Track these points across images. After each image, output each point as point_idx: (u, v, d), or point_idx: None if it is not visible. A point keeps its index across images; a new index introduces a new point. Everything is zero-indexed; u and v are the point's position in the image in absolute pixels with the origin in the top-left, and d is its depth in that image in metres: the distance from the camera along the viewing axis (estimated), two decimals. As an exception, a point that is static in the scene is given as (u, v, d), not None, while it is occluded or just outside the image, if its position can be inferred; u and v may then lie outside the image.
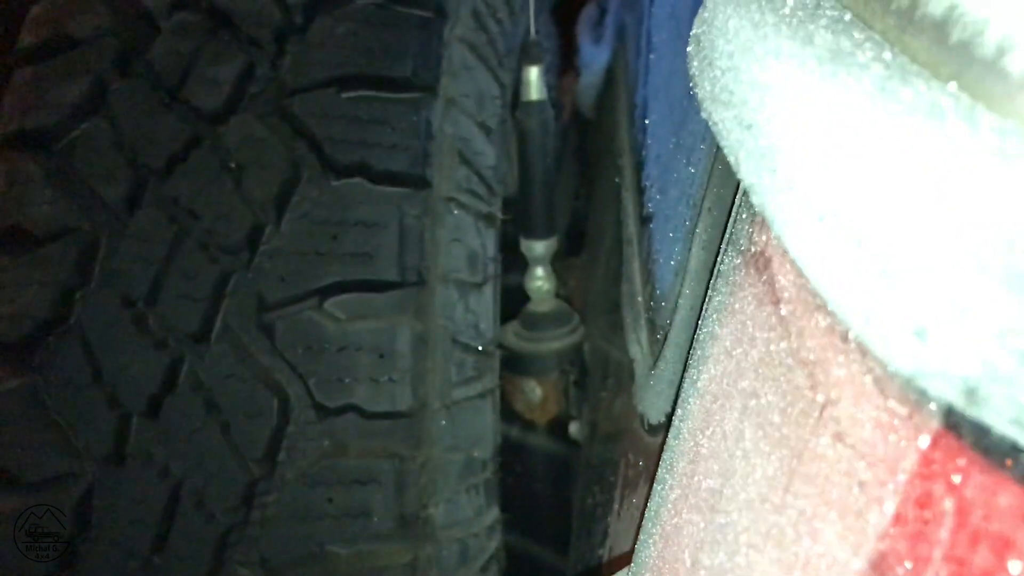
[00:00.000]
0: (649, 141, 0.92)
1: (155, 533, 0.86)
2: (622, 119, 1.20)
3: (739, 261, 0.38)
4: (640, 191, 0.92)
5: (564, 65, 2.03)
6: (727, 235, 0.44)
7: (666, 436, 0.60)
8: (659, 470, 0.44)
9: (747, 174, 0.28)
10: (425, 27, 0.97)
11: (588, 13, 2.12)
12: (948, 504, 0.22)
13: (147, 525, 0.86)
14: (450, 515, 0.92)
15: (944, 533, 0.22)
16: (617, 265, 1.03)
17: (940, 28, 0.25)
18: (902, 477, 0.23)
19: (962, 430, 0.21)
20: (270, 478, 0.86)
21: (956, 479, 0.22)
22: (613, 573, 0.56)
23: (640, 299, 0.79)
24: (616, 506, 0.76)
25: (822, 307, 0.26)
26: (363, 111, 0.91)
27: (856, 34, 0.29)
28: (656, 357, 0.67)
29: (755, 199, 0.27)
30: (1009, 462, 0.20)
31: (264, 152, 0.89)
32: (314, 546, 0.86)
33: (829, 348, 0.28)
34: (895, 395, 0.24)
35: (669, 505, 0.39)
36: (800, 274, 0.29)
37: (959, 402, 0.20)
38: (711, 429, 0.35)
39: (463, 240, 0.96)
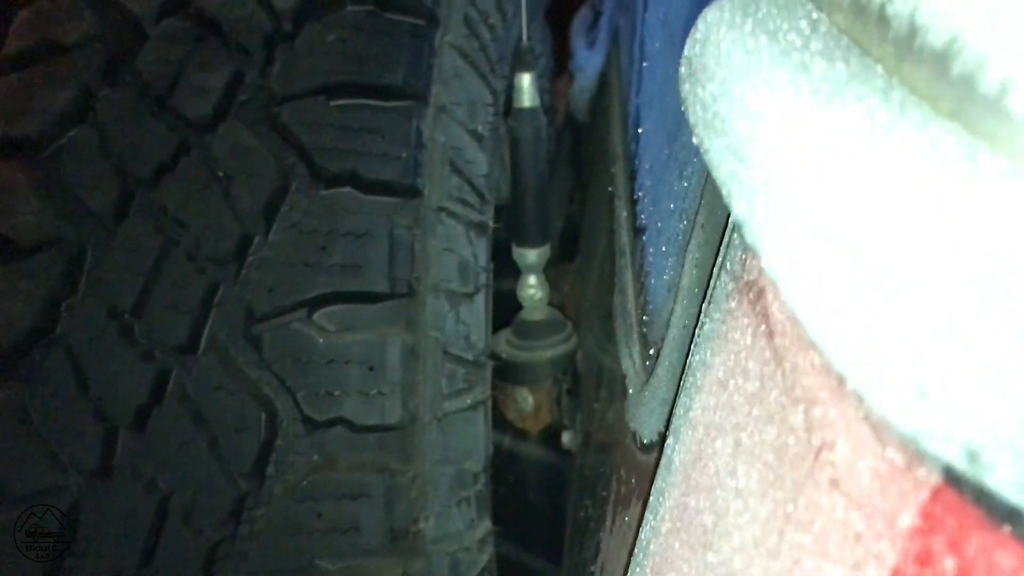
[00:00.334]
0: (642, 151, 0.91)
1: (142, 547, 0.84)
2: (616, 126, 1.19)
3: (732, 288, 0.37)
4: (633, 201, 0.91)
5: (558, 68, 2.02)
6: (720, 258, 0.43)
7: (659, 456, 0.59)
8: (651, 497, 0.43)
9: (739, 209, 0.27)
10: (416, 34, 0.95)
11: (582, 16, 2.12)
12: (949, 563, 0.21)
13: (134, 539, 0.85)
14: (441, 529, 0.91)
15: (945, 592, 0.21)
16: (611, 273, 1.02)
17: (940, 60, 0.24)
18: (901, 532, 0.22)
19: (963, 487, 0.20)
20: (258, 492, 0.84)
21: (958, 537, 0.21)
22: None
23: (633, 312, 0.78)
24: (609, 522, 0.75)
25: (817, 345, 0.25)
26: (353, 119, 0.90)
27: (853, 62, 0.28)
28: (649, 374, 0.66)
29: (747, 235, 0.26)
30: (1012, 524, 0.19)
31: (253, 161, 0.88)
32: (303, 561, 0.84)
33: (824, 388, 0.27)
34: (894, 444, 0.23)
35: (660, 538, 0.38)
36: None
37: (960, 464, 0.19)
38: (704, 463, 0.34)
39: (454, 250, 0.95)
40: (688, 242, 0.60)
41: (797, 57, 0.29)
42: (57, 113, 0.92)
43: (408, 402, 0.86)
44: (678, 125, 0.74)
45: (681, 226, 0.65)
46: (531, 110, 1.10)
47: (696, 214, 0.59)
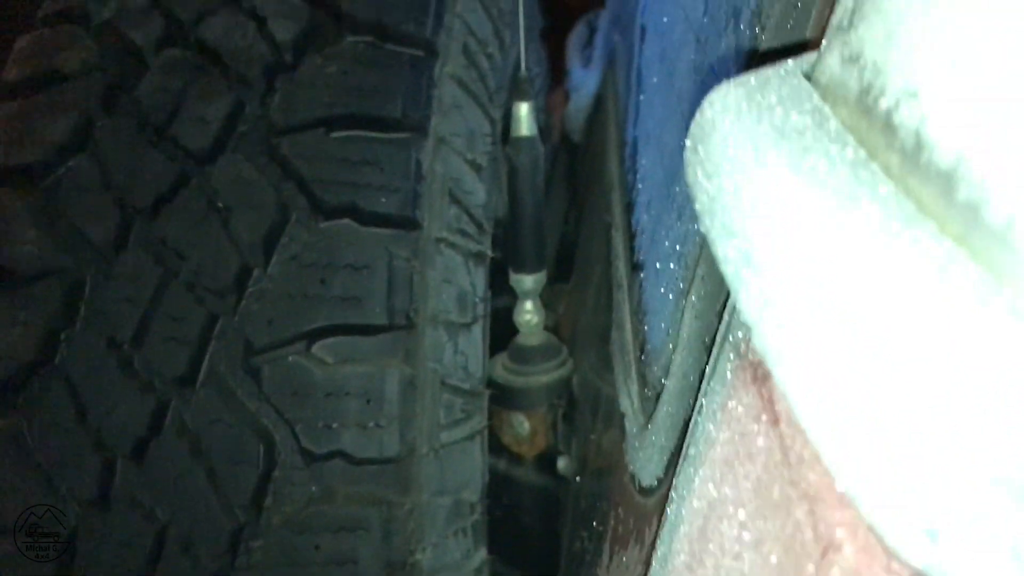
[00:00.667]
0: (640, 185, 0.92)
1: (140, 578, 0.85)
2: (612, 152, 1.19)
3: (736, 363, 0.37)
4: (631, 235, 0.92)
5: (553, 83, 2.02)
6: (724, 327, 0.43)
7: (658, 504, 0.59)
8: (654, 565, 0.44)
9: (747, 310, 0.27)
10: (415, 66, 0.96)
11: (578, 33, 2.12)
12: None
13: (131, 570, 0.85)
14: (438, 560, 0.91)
15: None
16: (607, 302, 1.02)
17: (947, 181, 0.25)
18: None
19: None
20: (256, 524, 0.85)
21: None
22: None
23: (631, 351, 0.79)
24: (606, 559, 0.75)
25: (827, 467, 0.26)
26: (352, 151, 0.90)
27: (859, 166, 0.29)
28: (648, 417, 0.67)
29: (757, 342, 0.27)
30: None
31: (252, 193, 0.88)
32: (301, 593, 0.85)
33: (831, 488, 0.27)
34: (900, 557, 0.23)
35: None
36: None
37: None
38: (708, 543, 0.34)
39: (453, 281, 0.96)
40: (688, 291, 0.61)
41: (803, 155, 0.30)
42: (57, 142, 0.92)
43: (406, 434, 0.87)
44: (676, 165, 0.75)
45: (680, 271, 0.66)
46: (529, 139, 1.11)
47: (697, 264, 0.59)
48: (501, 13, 1.16)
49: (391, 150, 0.91)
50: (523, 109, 1.10)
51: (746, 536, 0.32)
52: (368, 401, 0.86)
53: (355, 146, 0.91)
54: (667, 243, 0.73)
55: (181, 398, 0.86)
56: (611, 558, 0.73)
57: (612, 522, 0.76)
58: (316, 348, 0.86)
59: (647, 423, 0.66)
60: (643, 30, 1.09)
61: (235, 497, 0.85)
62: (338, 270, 0.87)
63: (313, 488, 0.85)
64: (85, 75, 0.95)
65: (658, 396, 0.65)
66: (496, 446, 1.22)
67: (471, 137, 1.02)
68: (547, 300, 1.31)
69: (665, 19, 0.92)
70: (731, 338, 0.39)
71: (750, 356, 0.35)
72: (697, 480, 0.38)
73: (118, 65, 0.95)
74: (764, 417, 0.33)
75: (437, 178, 0.94)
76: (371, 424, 0.86)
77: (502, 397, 1.19)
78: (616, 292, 0.93)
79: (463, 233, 0.99)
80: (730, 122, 0.34)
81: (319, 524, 0.85)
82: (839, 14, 0.35)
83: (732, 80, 0.37)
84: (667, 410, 0.60)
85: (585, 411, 1.14)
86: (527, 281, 1.17)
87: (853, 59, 0.32)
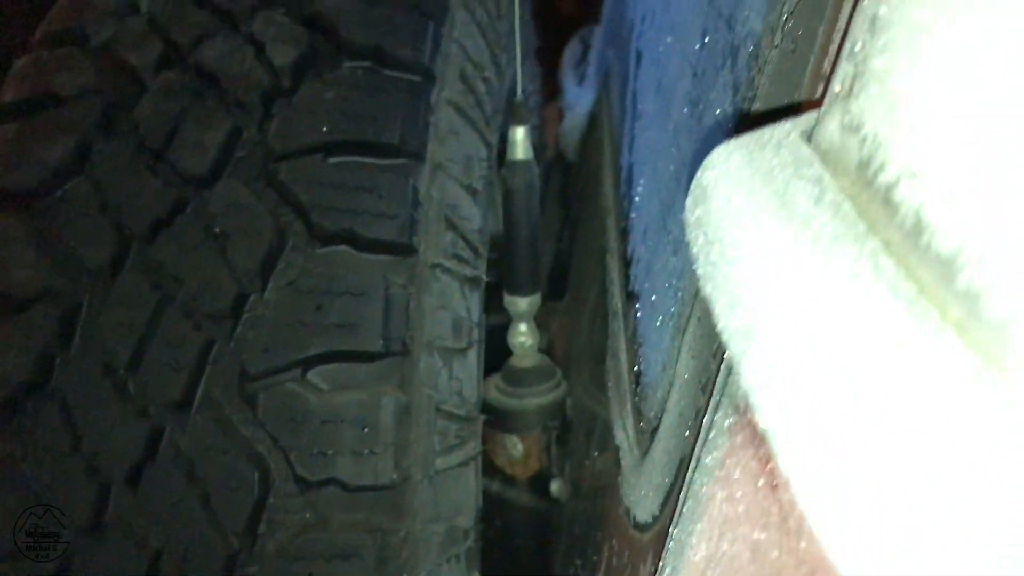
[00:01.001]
0: (635, 214, 0.92)
1: (133, 605, 0.84)
2: (607, 174, 1.20)
3: (734, 421, 0.38)
4: (626, 262, 0.92)
5: (547, 100, 2.03)
6: (721, 378, 0.44)
7: (652, 538, 0.60)
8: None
9: (749, 386, 0.28)
10: (413, 91, 0.96)
11: (572, 49, 2.13)
12: None
13: (125, 596, 0.85)
14: (431, 586, 0.91)
15: None
16: (603, 326, 1.03)
17: (947, 266, 0.25)
18: None
19: None
20: (251, 551, 0.85)
21: None
22: None
23: (626, 382, 0.79)
24: (599, 591, 0.76)
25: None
26: (350, 177, 0.91)
27: (863, 246, 0.29)
28: (643, 451, 0.67)
29: (756, 414, 0.27)
30: None
31: (249, 218, 0.89)
32: (295, 620, 0.85)
33: (830, 563, 0.28)
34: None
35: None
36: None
37: None
38: (707, 603, 0.35)
39: (448, 306, 0.96)
40: (684, 328, 0.61)
41: (804, 226, 0.30)
42: (54, 165, 0.92)
43: (400, 461, 0.87)
44: (673, 197, 0.75)
45: (676, 306, 0.66)
46: (524, 162, 1.11)
47: (693, 303, 0.60)
48: (498, 38, 1.17)
49: (388, 176, 0.92)
50: (519, 133, 1.11)
51: (745, 600, 0.32)
52: (363, 428, 0.86)
53: (352, 172, 0.91)
54: (663, 276, 0.73)
55: (176, 424, 0.86)
56: (605, 590, 0.74)
57: (606, 553, 0.76)
58: (312, 375, 0.86)
59: (642, 458, 0.67)
60: (639, 55, 1.10)
61: (229, 524, 0.85)
62: (335, 297, 0.87)
63: (307, 515, 0.85)
64: (83, 98, 0.95)
65: (654, 431, 0.65)
66: (490, 468, 1.22)
67: (468, 162, 1.03)
68: (541, 319, 1.31)
69: (661, 48, 0.93)
70: (729, 394, 0.39)
71: (748, 415, 0.36)
72: (695, 535, 0.38)
73: (116, 88, 0.95)
74: (762, 481, 0.33)
75: (434, 204, 0.95)
76: (366, 451, 0.86)
77: (496, 419, 1.19)
78: (611, 320, 0.93)
79: (459, 258, 0.99)
80: (731, 187, 0.34)
81: (313, 551, 0.85)
82: (840, 79, 0.35)
83: (732, 142, 0.37)
84: (663, 447, 0.60)
85: (579, 434, 1.15)
86: (521, 303, 1.18)
87: (854, 129, 0.33)
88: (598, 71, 1.71)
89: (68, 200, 0.91)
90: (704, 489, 0.39)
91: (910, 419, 0.23)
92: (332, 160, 0.91)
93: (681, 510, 0.46)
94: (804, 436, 0.25)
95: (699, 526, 0.38)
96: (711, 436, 0.42)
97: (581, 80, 1.94)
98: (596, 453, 0.98)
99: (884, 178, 0.29)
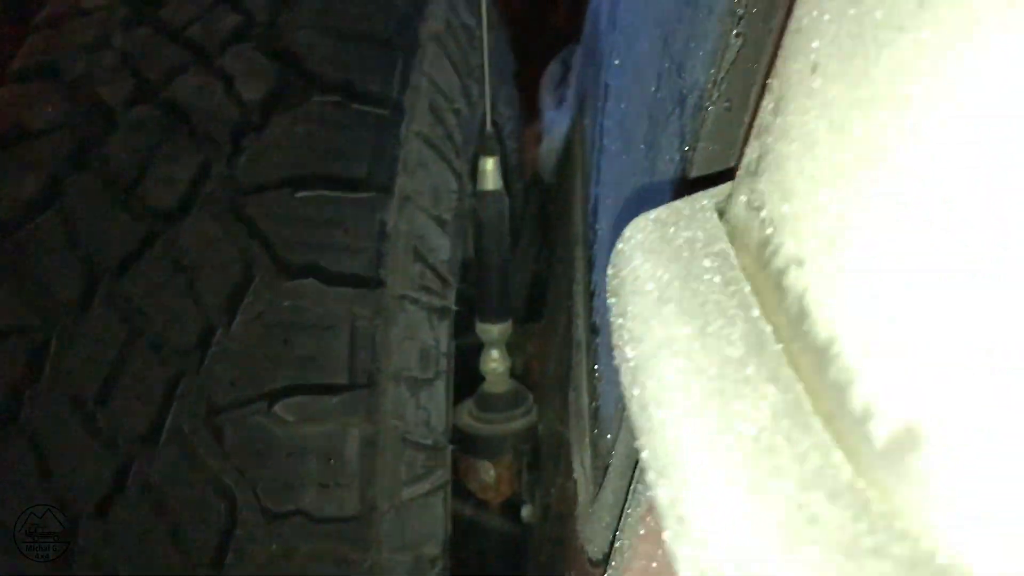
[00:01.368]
0: (598, 248, 0.94)
1: (101, 637, 0.85)
2: (577, 204, 1.21)
3: (645, 510, 0.39)
4: (590, 295, 0.93)
5: (526, 122, 2.04)
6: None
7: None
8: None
9: (652, 487, 0.29)
10: (382, 125, 0.98)
11: (551, 71, 2.14)
12: None
13: (93, 628, 0.86)
14: (398, 616, 0.92)
15: None
16: (568, 353, 1.04)
17: (821, 356, 0.27)
18: None
19: None
20: (217, 582, 0.86)
21: None
22: None
23: (586, 416, 0.81)
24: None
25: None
26: (317, 212, 0.92)
27: (755, 334, 0.30)
28: (597, 488, 0.68)
29: (665, 535, 0.28)
30: None
31: (217, 253, 0.90)
32: (261, 651, 0.86)
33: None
34: None
35: None
36: None
37: None
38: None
39: (416, 337, 0.97)
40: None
41: (700, 309, 0.32)
42: (24, 199, 0.93)
43: (366, 492, 0.88)
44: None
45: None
46: (495, 193, 1.13)
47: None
48: (469, 68, 1.18)
49: (356, 210, 0.93)
50: (489, 164, 1.12)
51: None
52: (329, 460, 0.87)
53: (320, 206, 0.92)
54: (619, 314, 0.74)
55: (144, 456, 0.87)
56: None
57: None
58: (278, 407, 0.87)
59: (596, 495, 0.68)
60: (607, 89, 1.12)
61: (197, 555, 0.86)
62: (301, 330, 0.89)
63: (274, 546, 0.86)
64: (54, 132, 0.96)
65: (606, 469, 0.67)
66: (462, 493, 1.23)
67: (436, 193, 1.04)
68: (517, 341, 1.33)
69: (624, 86, 0.94)
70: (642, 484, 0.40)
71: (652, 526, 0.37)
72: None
73: (87, 123, 0.97)
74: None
75: (401, 236, 0.96)
76: (331, 483, 0.87)
77: (468, 445, 1.20)
78: (575, 351, 0.94)
79: (427, 289, 1.00)
80: (641, 261, 0.35)
81: (280, 582, 0.86)
82: (749, 156, 0.37)
83: (650, 213, 0.38)
84: (611, 489, 0.61)
85: (548, 460, 1.16)
86: (493, 331, 1.19)
87: (756, 208, 0.34)
88: (576, 93, 1.72)
89: (39, 234, 0.92)
90: (628, 541, 0.41)
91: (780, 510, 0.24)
92: (300, 194, 0.92)
93: (617, 556, 0.47)
94: (702, 556, 0.26)
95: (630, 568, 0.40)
96: (639, 488, 0.43)
97: (560, 103, 1.95)
98: (562, 481, 0.99)
99: (776, 263, 0.31)
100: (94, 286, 0.90)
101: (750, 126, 0.50)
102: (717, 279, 0.33)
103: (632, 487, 0.47)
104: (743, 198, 0.36)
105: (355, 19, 1.03)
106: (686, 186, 0.55)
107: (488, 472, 1.20)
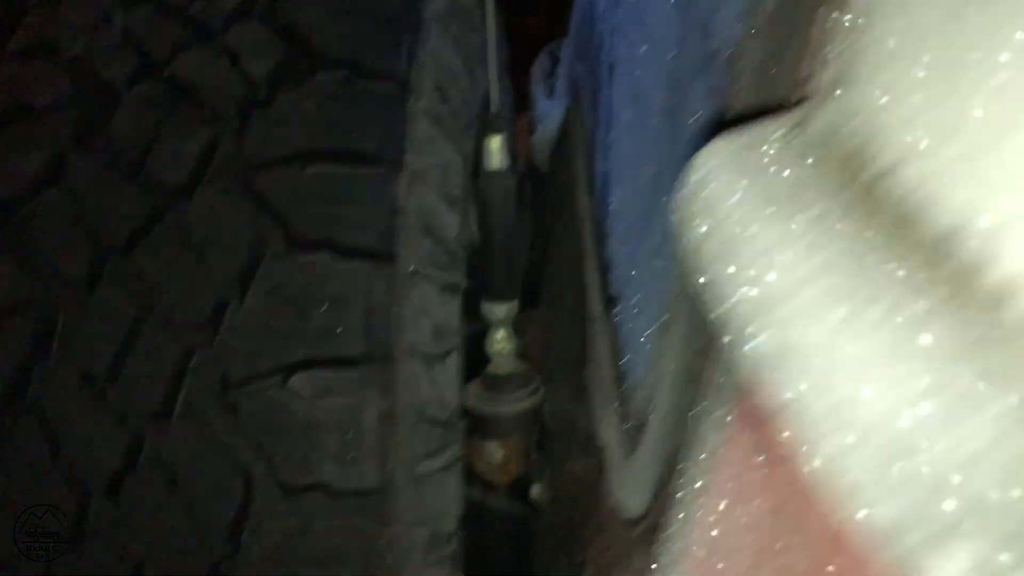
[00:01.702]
0: (612, 220, 0.94)
1: (115, 616, 0.84)
2: (581, 184, 1.21)
3: (726, 411, 0.39)
4: (604, 268, 0.93)
5: (518, 111, 2.04)
6: (708, 370, 0.45)
7: (642, 533, 0.61)
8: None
9: (762, 367, 0.29)
10: (390, 101, 0.97)
11: (540, 62, 2.14)
12: None
13: (107, 608, 0.85)
14: (415, 591, 0.92)
15: None
16: (581, 333, 1.04)
17: (945, 243, 0.27)
18: None
19: None
20: (234, 559, 0.85)
21: None
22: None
23: (610, 385, 0.80)
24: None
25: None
26: (328, 186, 0.91)
27: (854, 228, 0.30)
28: (631, 449, 0.68)
29: (773, 394, 0.28)
30: None
31: (227, 227, 0.89)
32: (279, 628, 0.85)
33: (832, 532, 0.29)
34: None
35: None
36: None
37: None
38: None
39: (428, 312, 0.97)
40: (669, 327, 0.62)
41: (798, 213, 0.32)
42: (29, 176, 0.92)
43: (384, 466, 0.87)
44: (653, 202, 0.76)
45: (659, 306, 0.68)
46: (500, 172, 1.13)
47: (676, 300, 0.61)
48: (472, 49, 1.18)
49: (367, 185, 0.92)
50: (495, 143, 1.12)
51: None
52: (346, 433, 0.86)
53: (331, 181, 0.91)
54: (643, 279, 0.75)
55: (157, 433, 0.86)
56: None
57: (597, 550, 0.77)
58: (293, 381, 0.86)
59: (630, 457, 0.68)
60: (611, 67, 1.12)
61: (213, 532, 0.85)
62: (315, 303, 0.88)
63: (291, 521, 0.85)
64: (56, 110, 0.95)
65: (640, 430, 0.67)
66: (470, 474, 1.22)
67: (444, 171, 1.04)
68: (516, 326, 1.32)
69: (634, 58, 0.94)
70: (720, 386, 0.40)
71: (747, 401, 0.37)
72: (691, 524, 0.39)
73: (91, 100, 0.95)
74: (761, 464, 0.34)
75: (412, 212, 0.95)
76: (349, 456, 0.86)
77: (475, 425, 1.20)
78: (590, 326, 0.94)
79: (437, 265, 1.00)
80: (721, 184, 0.35)
81: (298, 557, 0.85)
82: (826, 76, 0.37)
83: (718, 141, 0.38)
84: (651, 445, 0.61)
85: (558, 439, 1.16)
86: (499, 310, 1.19)
87: (837, 126, 0.34)
88: (567, 84, 1.72)
89: (44, 211, 0.91)
90: (699, 481, 0.41)
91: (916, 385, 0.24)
92: (310, 169, 0.91)
93: (675, 502, 0.47)
94: (829, 400, 0.26)
95: (697, 515, 0.39)
96: (701, 429, 0.43)
97: (550, 93, 1.95)
98: (578, 457, 0.99)
99: (871, 170, 0.31)
100: (102, 262, 0.89)
101: (796, 67, 0.50)
102: (805, 191, 0.33)
103: (689, 427, 0.47)
104: (818, 121, 0.36)
105: (359, -4, 1.02)
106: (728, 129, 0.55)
107: (495, 452, 1.20)
